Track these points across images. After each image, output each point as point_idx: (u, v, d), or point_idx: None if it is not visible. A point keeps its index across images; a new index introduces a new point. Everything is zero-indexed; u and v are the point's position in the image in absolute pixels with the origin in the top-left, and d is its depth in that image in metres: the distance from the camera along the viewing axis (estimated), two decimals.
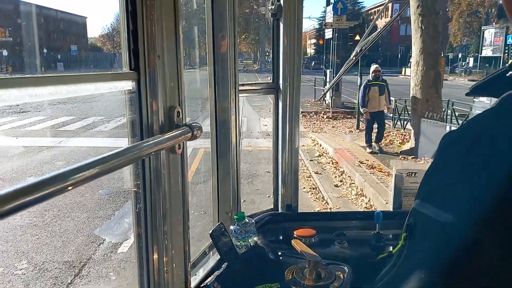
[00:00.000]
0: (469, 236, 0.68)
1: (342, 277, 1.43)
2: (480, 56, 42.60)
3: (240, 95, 1.64)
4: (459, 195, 0.71)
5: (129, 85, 1.00)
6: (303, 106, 16.93)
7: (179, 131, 1.07)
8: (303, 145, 9.97)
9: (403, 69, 46.61)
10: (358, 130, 12.26)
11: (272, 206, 1.98)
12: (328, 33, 18.00)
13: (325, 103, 17.12)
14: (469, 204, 0.69)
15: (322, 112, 15.97)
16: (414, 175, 1.86)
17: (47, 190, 0.66)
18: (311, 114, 15.70)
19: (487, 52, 41.44)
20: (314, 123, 14.09)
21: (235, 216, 1.54)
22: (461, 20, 48.82)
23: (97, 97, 19.09)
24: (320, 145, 10.49)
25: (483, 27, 43.15)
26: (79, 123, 13.20)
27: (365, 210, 6.02)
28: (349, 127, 13.26)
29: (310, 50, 79.90)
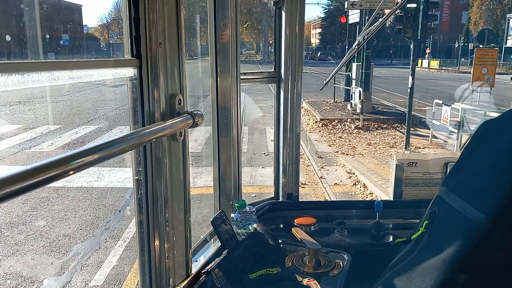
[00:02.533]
0: (492, 235, 0.67)
1: (341, 265, 1.45)
2: (504, 47, 40.09)
3: (242, 84, 1.64)
4: (484, 191, 0.70)
5: (131, 72, 1.00)
6: (321, 110, 13.96)
7: (180, 118, 1.08)
8: (335, 183, 7.07)
9: (420, 60, 45.39)
10: (408, 151, 8.86)
11: (273, 195, 1.99)
12: (354, 17, 14.45)
13: (350, 106, 13.73)
14: (492, 202, 0.68)
15: (349, 120, 12.20)
16: (415, 165, 1.87)
17: (49, 174, 0.67)
18: (334, 123, 12.07)
19: None
20: (341, 137, 10.47)
21: (236, 204, 1.56)
22: (483, 7, 46.61)
23: (70, 93, 17.00)
24: (365, 187, 6.72)
25: (508, 15, 40.93)
26: (17, 138, 9.98)
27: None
28: (391, 145, 9.64)
29: (315, 40, 79.12)
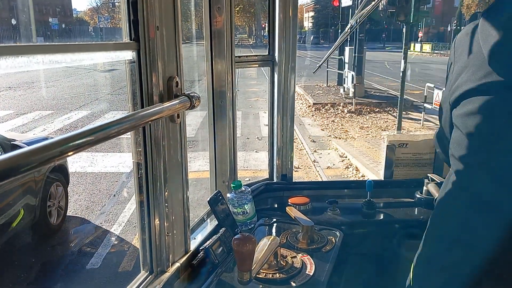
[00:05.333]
0: None
1: (334, 241, 1.51)
2: None
3: (236, 67, 1.66)
4: None
5: (129, 55, 1.03)
6: (313, 95, 13.92)
7: (178, 100, 1.11)
8: (328, 167, 7.14)
9: (412, 44, 45.03)
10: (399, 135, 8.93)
11: (267, 176, 2.04)
12: (346, 0, 14.26)
13: (343, 90, 13.73)
14: None
15: (341, 104, 12.19)
16: (406, 146, 1.92)
17: (49, 154, 0.69)
18: (326, 107, 12.08)
19: None
20: (333, 121, 10.53)
21: (232, 184, 1.60)
22: None
23: (61, 79, 16.65)
24: (358, 170, 6.89)
25: None
26: (9, 123, 9.82)
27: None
28: (383, 128, 9.78)
29: (308, 24, 78.32)
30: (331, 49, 1.97)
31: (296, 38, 1.85)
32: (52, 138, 0.70)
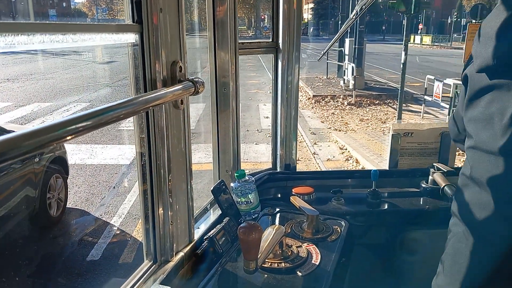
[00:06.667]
0: None
1: (339, 231, 1.49)
2: None
3: (240, 54, 1.63)
4: None
5: (132, 37, 0.99)
6: (313, 87, 13.78)
7: (182, 85, 1.07)
8: (328, 159, 7.08)
9: (412, 36, 44.79)
10: None
11: (271, 166, 2.01)
12: None
13: (343, 82, 13.61)
14: None
15: (341, 97, 12.13)
16: (411, 135, 1.90)
17: (52, 137, 0.66)
18: (326, 99, 11.99)
19: None
20: (333, 114, 10.47)
21: (235, 174, 1.58)
22: None
23: (60, 70, 16.43)
24: (358, 162, 6.84)
25: None
26: (8, 115, 9.71)
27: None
28: (383, 120, 9.72)
29: (307, 16, 77.76)
30: (336, 36, 1.94)
31: (301, 25, 1.81)
32: None
